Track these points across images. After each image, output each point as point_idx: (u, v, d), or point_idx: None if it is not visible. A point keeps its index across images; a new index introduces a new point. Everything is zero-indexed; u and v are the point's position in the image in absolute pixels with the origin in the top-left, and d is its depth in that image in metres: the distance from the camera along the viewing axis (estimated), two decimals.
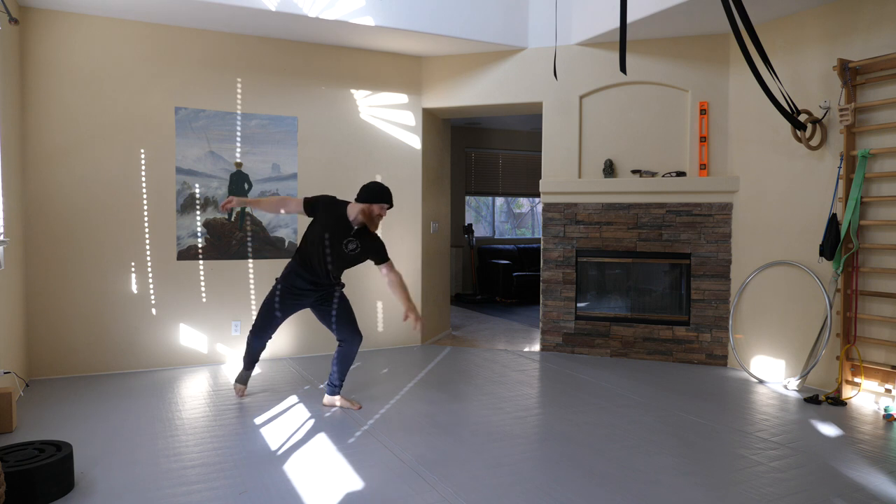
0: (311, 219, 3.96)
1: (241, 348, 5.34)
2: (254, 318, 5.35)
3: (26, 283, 4.63)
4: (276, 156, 5.42)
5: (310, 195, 4.08)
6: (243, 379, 4.28)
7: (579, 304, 5.74)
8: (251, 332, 4.13)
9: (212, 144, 5.19)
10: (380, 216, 3.88)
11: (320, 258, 3.86)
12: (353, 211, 3.84)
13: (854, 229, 4.19)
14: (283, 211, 4.09)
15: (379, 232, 5.88)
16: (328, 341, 5.69)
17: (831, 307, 4.38)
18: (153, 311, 5.03)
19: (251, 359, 4.23)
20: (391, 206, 3.92)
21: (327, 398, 4.08)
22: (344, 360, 4.02)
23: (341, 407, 4.05)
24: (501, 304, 9.18)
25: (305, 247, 3.91)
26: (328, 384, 4.08)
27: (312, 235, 3.89)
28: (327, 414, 3.92)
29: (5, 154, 4.06)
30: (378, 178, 5.83)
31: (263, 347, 4.21)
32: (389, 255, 3.99)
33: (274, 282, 4.06)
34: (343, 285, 4.06)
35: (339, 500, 2.72)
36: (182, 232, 5.11)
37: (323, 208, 3.90)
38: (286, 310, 4.02)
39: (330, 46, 5.62)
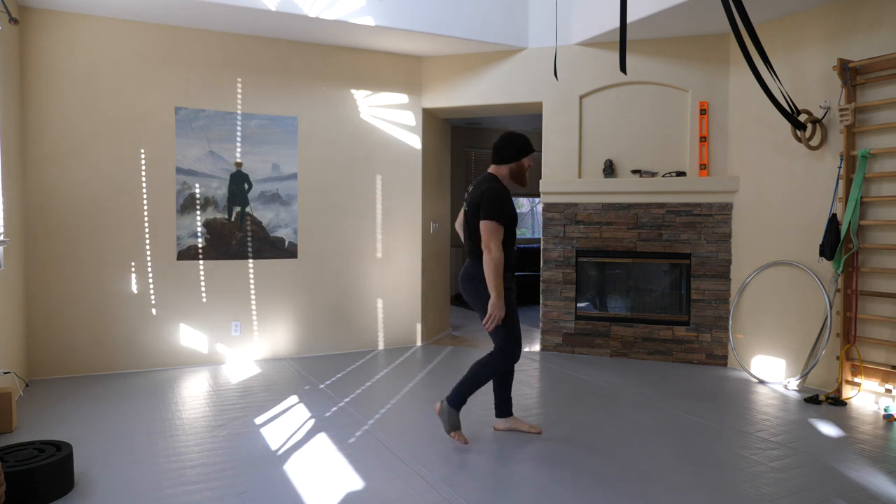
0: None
1: (241, 348, 5.34)
2: (254, 317, 5.37)
3: (26, 283, 4.63)
4: (276, 156, 5.42)
5: (499, 219, 3.27)
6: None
7: (579, 305, 5.74)
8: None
9: (212, 144, 5.19)
10: (529, 167, 3.45)
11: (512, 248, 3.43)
12: (506, 179, 3.42)
13: (854, 229, 4.19)
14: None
15: (378, 232, 5.93)
16: (328, 341, 5.70)
17: (831, 307, 4.38)
18: (153, 311, 5.03)
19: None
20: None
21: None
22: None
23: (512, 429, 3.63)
24: None
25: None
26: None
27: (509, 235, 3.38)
28: (327, 414, 3.92)
29: (5, 154, 4.06)
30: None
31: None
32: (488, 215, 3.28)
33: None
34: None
35: (339, 500, 2.72)
36: (182, 232, 5.11)
37: (507, 207, 3.31)
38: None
39: (330, 46, 5.62)
